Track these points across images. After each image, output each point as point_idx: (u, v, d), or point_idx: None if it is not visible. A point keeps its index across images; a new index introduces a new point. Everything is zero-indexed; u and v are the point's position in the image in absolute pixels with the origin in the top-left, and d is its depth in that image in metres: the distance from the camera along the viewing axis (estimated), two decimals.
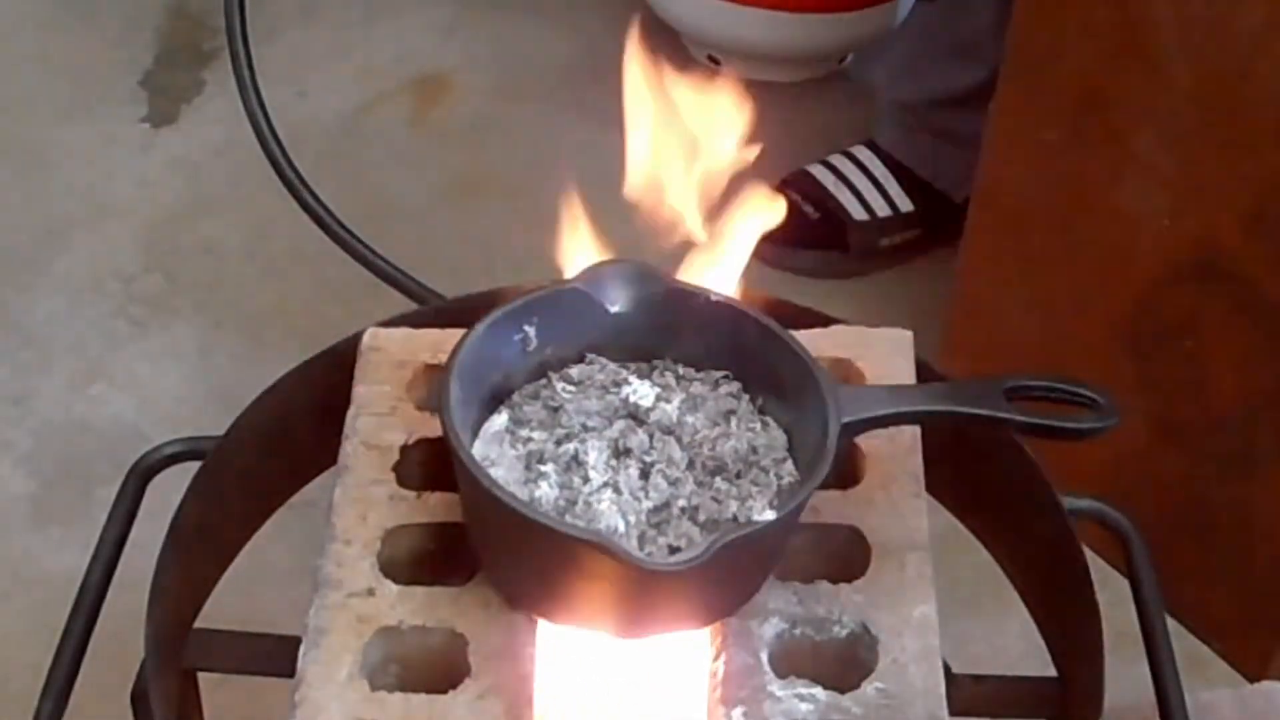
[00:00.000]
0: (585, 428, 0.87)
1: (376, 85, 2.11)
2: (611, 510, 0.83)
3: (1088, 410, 0.89)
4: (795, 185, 1.84)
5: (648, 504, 0.84)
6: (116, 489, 1.02)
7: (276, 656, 0.93)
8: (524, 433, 0.87)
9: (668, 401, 0.88)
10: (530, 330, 0.89)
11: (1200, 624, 1.50)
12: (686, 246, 0.93)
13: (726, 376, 0.90)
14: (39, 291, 1.82)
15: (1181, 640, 1.35)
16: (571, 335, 0.90)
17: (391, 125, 2.06)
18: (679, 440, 0.87)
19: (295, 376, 1.01)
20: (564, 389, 0.88)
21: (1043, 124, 1.46)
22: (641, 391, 0.88)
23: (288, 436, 1.01)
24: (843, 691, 0.84)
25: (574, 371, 0.89)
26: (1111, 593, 1.00)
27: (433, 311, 1.05)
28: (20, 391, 1.71)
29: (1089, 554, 0.94)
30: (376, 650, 0.85)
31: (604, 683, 0.85)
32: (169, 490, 0.97)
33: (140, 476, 1.02)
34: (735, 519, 0.83)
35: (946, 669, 0.87)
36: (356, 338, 1.00)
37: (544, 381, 0.89)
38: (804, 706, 0.83)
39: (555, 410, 0.87)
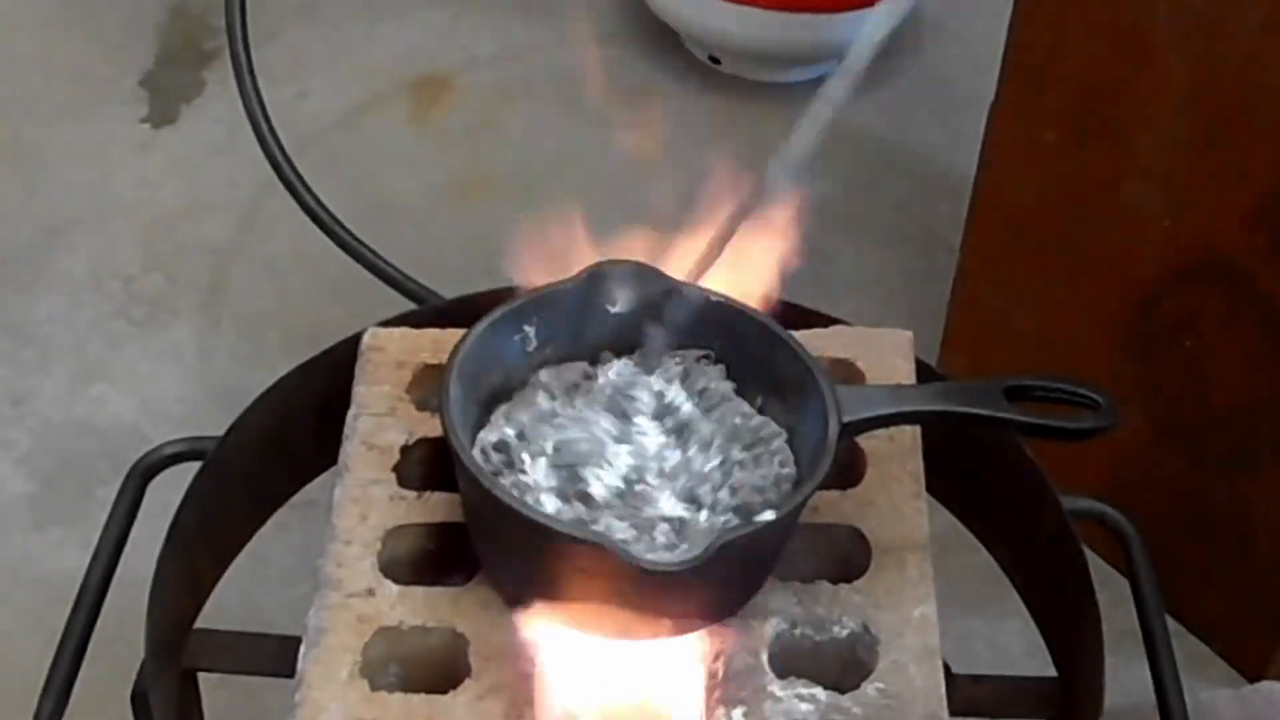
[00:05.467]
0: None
1: (376, 85, 2.11)
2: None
3: (1088, 410, 0.89)
4: None
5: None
6: (116, 489, 1.02)
7: (276, 656, 0.93)
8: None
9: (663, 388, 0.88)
10: (530, 330, 0.89)
11: (1200, 624, 1.50)
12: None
13: (706, 356, 0.90)
14: (39, 291, 1.82)
15: (1181, 640, 1.35)
16: (571, 335, 0.90)
17: (391, 125, 2.06)
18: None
19: (295, 376, 1.01)
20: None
21: (1043, 124, 1.46)
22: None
23: (288, 436, 1.01)
24: (843, 691, 0.84)
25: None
26: (1111, 593, 1.00)
27: (433, 311, 1.05)
28: (20, 391, 1.71)
29: (1089, 554, 0.94)
30: (376, 650, 0.85)
31: (604, 683, 0.85)
32: (169, 490, 0.97)
33: (140, 476, 1.02)
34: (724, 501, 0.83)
35: (946, 669, 0.87)
36: (356, 338, 1.00)
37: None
38: (804, 706, 0.83)
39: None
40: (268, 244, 1.88)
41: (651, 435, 0.86)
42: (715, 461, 0.85)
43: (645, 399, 0.87)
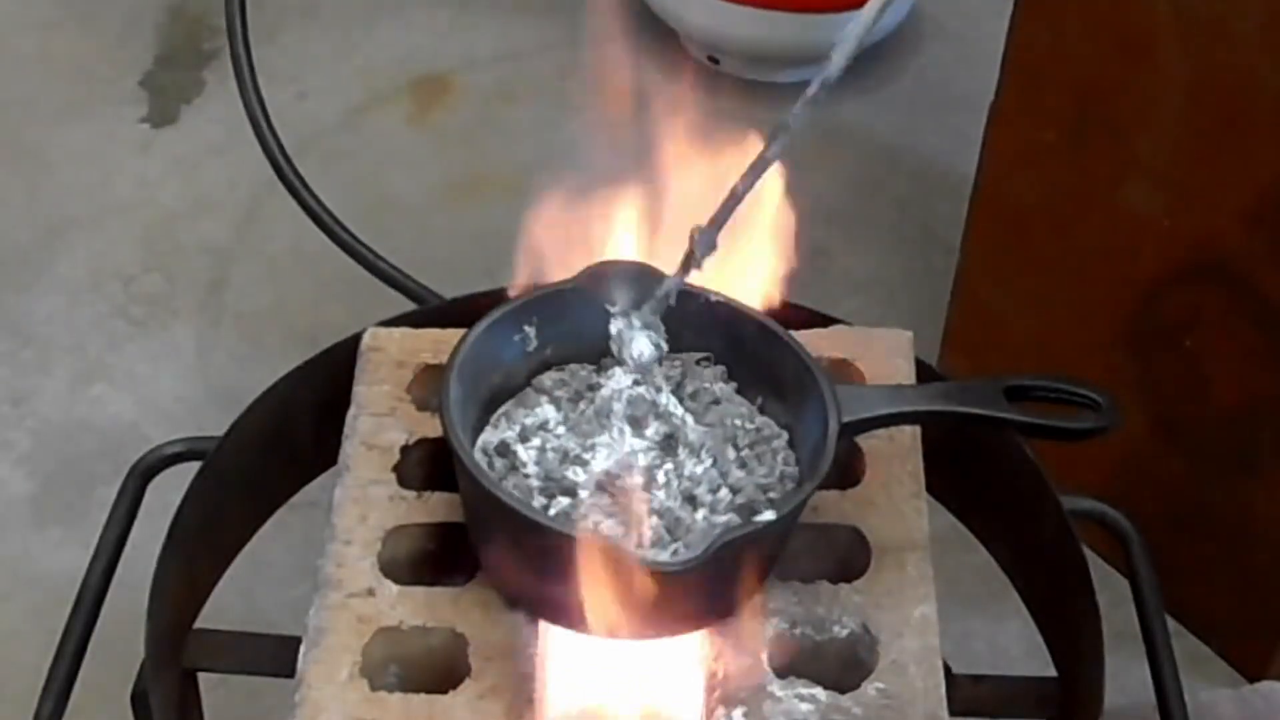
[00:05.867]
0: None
1: (376, 85, 2.11)
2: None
3: (1088, 410, 0.89)
4: None
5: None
6: (116, 489, 1.02)
7: (276, 656, 0.93)
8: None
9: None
10: (530, 330, 0.89)
11: (1200, 624, 1.50)
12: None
13: (706, 358, 0.90)
14: (39, 291, 1.82)
15: (1181, 640, 1.35)
16: (571, 335, 0.90)
17: (391, 125, 2.06)
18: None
19: (295, 376, 1.01)
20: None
21: (1043, 124, 1.46)
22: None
23: (288, 436, 1.01)
24: (843, 691, 0.84)
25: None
26: (1111, 593, 1.00)
27: (433, 311, 1.05)
28: (20, 391, 1.71)
29: (1089, 554, 0.94)
30: (376, 650, 0.85)
31: (604, 683, 0.85)
32: (169, 490, 0.97)
33: (140, 476, 1.02)
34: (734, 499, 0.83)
35: (946, 669, 0.87)
36: (356, 338, 1.00)
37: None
38: (804, 706, 0.83)
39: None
40: (268, 244, 1.88)
41: (643, 441, 0.86)
42: (707, 464, 0.85)
43: (639, 407, 0.87)
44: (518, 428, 0.87)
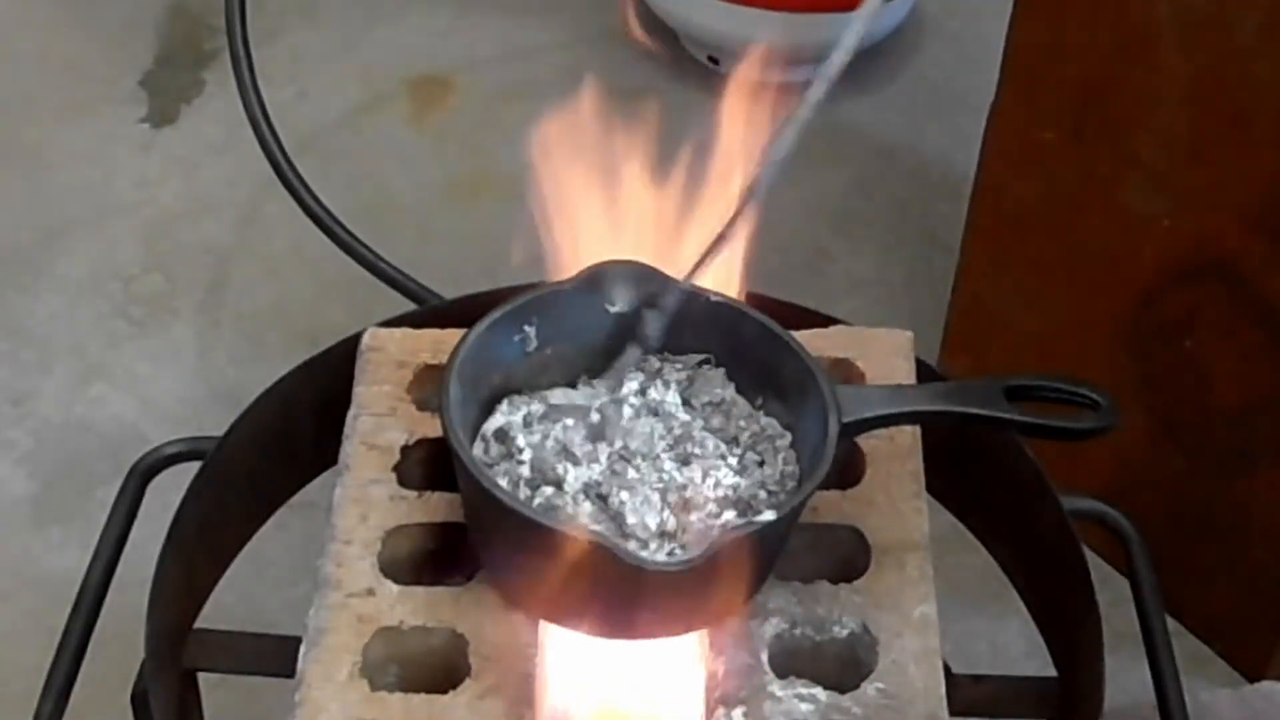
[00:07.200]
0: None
1: (376, 85, 2.11)
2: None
3: (1088, 410, 0.89)
4: None
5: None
6: (116, 489, 1.02)
7: (276, 656, 0.93)
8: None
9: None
10: (530, 330, 0.89)
11: (1200, 624, 1.50)
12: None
13: (706, 361, 0.90)
14: (39, 291, 1.82)
15: (1181, 640, 1.35)
16: (571, 335, 0.90)
17: (391, 125, 2.06)
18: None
19: (295, 376, 1.01)
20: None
21: (1043, 124, 1.46)
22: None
23: (288, 436, 1.01)
24: (843, 691, 0.84)
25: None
26: (1111, 593, 1.01)
27: (433, 311, 1.05)
28: (20, 391, 1.71)
29: (1089, 554, 0.94)
30: (376, 650, 0.85)
31: (604, 683, 0.85)
32: (169, 490, 0.97)
33: (140, 476, 1.02)
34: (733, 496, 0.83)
35: (946, 669, 0.87)
36: (356, 338, 1.00)
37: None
38: (804, 706, 0.83)
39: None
40: (268, 244, 1.88)
41: (647, 441, 0.86)
42: (709, 464, 0.85)
43: (645, 407, 0.87)
44: (521, 414, 0.87)
